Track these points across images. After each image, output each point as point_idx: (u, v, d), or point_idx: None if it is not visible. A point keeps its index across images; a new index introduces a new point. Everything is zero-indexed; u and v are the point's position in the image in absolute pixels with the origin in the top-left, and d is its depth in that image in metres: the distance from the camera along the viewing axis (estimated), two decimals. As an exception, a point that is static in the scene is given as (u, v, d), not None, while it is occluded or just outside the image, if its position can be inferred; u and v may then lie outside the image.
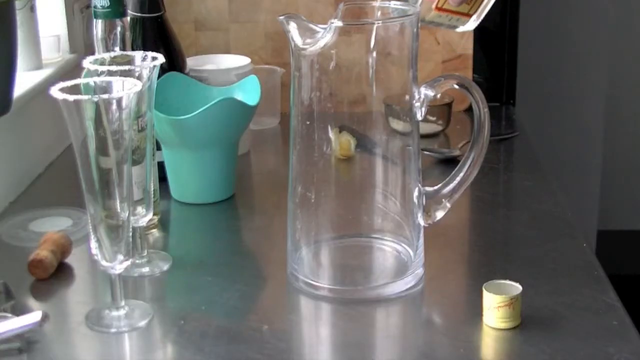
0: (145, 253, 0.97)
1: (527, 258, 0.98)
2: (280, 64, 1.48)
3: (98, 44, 0.95)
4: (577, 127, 2.27)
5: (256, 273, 0.99)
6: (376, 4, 0.92)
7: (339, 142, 1.02)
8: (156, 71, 0.88)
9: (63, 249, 0.97)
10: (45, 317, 0.80)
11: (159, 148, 1.12)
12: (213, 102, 1.08)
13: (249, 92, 1.15)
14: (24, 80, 1.23)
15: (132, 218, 0.85)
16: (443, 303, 0.89)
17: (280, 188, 1.22)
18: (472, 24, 0.96)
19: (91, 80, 0.80)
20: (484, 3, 0.93)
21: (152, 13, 1.18)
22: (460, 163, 0.92)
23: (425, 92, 0.88)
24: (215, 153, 1.12)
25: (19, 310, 0.85)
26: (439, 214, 0.93)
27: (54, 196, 1.20)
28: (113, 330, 0.84)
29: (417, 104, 0.89)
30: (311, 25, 0.86)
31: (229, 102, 1.10)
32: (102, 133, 0.77)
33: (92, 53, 0.93)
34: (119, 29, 0.94)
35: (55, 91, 0.76)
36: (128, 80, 0.80)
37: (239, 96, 1.14)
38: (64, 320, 0.87)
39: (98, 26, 0.94)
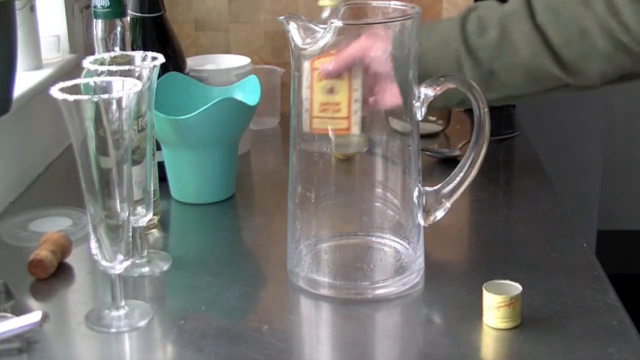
0: (145, 253, 0.97)
1: (527, 258, 0.98)
2: (280, 64, 1.48)
3: (98, 44, 0.95)
4: (577, 127, 2.27)
5: (256, 273, 0.99)
6: (376, 4, 0.92)
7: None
8: (156, 71, 0.88)
9: (63, 249, 0.97)
10: (45, 317, 0.80)
11: (159, 148, 1.12)
12: (213, 102, 1.08)
13: (249, 92, 1.15)
14: (24, 80, 1.23)
15: (132, 218, 0.85)
16: (443, 303, 0.89)
17: (280, 188, 1.22)
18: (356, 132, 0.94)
19: (91, 80, 0.80)
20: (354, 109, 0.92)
21: (152, 13, 1.18)
22: (460, 163, 0.92)
23: (425, 92, 0.88)
24: (215, 153, 1.12)
25: (19, 310, 0.85)
26: (439, 214, 0.93)
27: (54, 196, 1.20)
28: (113, 330, 0.84)
29: (417, 104, 0.89)
30: (311, 25, 0.86)
31: (229, 102, 1.10)
32: (102, 133, 0.77)
33: (92, 53, 0.93)
34: (119, 29, 0.94)
35: (55, 91, 0.76)
36: (128, 80, 0.80)
37: (239, 96, 1.14)
38: (64, 320, 0.87)
39: (98, 26, 0.94)
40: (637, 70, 1.01)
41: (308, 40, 0.87)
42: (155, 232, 1.06)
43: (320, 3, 1.19)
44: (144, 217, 0.95)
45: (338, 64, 0.90)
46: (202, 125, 1.08)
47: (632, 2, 0.95)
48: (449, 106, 1.10)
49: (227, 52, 1.52)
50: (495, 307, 0.82)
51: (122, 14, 0.95)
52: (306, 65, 1.22)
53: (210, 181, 1.13)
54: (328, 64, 0.93)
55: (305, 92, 1.25)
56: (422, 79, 0.90)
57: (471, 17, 0.99)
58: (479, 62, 0.92)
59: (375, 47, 0.90)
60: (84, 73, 0.87)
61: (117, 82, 0.80)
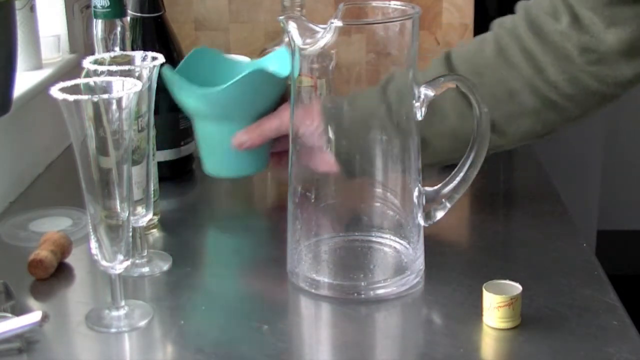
0: (145, 253, 0.97)
1: (527, 258, 0.98)
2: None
3: (98, 44, 0.95)
4: (577, 127, 2.27)
5: (256, 273, 0.99)
6: (376, 4, 0.92)
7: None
8: (156, 71, 0.88)
9: (63, 249, 0.97)
10: (45, 317, 0.79)
11: (158, 148, 1.12)
12: (245, 73, 1.06)
13: (279, 64, 1.13)
14: (24, 80, 1.23)
15: (132, 218, 0.85)
16: (443, 303, 0.89)
17: (280, 188, 1.22)
18: None
19: (91, 80, 0.80)
20: None
21: (152, 13, 1.18)
22: (460, 163, 0.92)
23: (425, 92, 0.88)
24: (250, 124, 1.10)
25: (19, 310, 0.85)
26: (439, 214, 0.93)
27: (54, 196, 1.20)
28: (113, 330, 0.84)
29: (417, 104, 0.89)
30: (311, 25, 0.86)
31: (261, 73, 1.08)
32: (102, 133, 0.78)
33: (92, 53, 0.93)
34: (119, 29, 0.94)
35: (55, 91, 0.76)
36: (128, 80, 0.80)
37: (270, 68, 1.12)
38: (64, 320, 0.87)
39: (98, 26, 0.94)
40: (563, 125, 1.03)
41: (308, 40, 0.87)
42: (155, 232, 1.06)
43: None
44: (144, 217, 0.95)
45: (255, 137, 0.92)
46: (236, 97, 1.06)
47: (556, 59, 0.96)
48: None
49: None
50: (495, 307, 0.82)
51: (122, 14, 0.95)
52: None
53: (245, 153, 1.11)
54: (243, 134, 0.98)
55: None
56: (351, 155, 0.92)
57: (390, 89, 0.97)
58: None
59: (305, 124, 0.91)
60: (84, 73, 0.87)
61: (117, 82, 0.80)
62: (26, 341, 0.81)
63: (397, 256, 0.94)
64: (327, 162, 0.94)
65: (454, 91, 0.98)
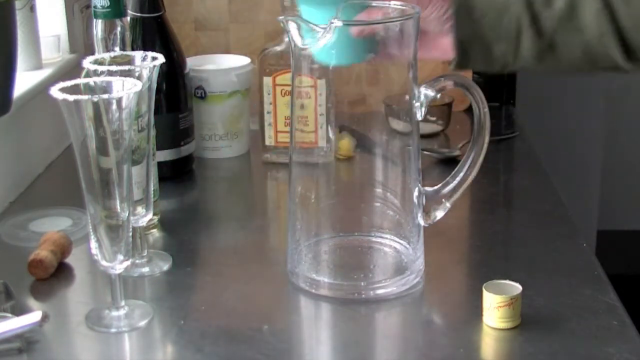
0: (145, 253, 0.97)
1: (527, 258, 0.98)
2: (280, 64, 1.48)
3: (98, 44, 0.95)
4: (577, 127, 2.27)
5: (256, 273, 0.99)
6: (376, 3, 0.92)
7: (339, 142, 1.02)
8: (156, 71, 0.88)
9: (63, 249, 0.97)
10: (45, 317, 0.80)
11: (158, 148, 1.11)
12: None
13: None
14: (24, 80, 1.23)
15: (132, 218, 0.85)
16: (443, 303, 0.89)
17: (280, 188, 1.23)
18: None
19: (91, 80, 0.81)
20: None
21: (152, 13, 1.18)
22: (460, 163, 0.92)
23: (425, 92, 0.88)
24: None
25: (19, 310, 0.85)
26: (439, 214, 0.93)
27: (54, 196, 1.20)
28: (113, 330, 0.84)
29: (417, 104, 0.89)
30: (311, 25, 0.86)
31: None
32: (102, 133, 0.78)
33: (92, 53, 0.93)
34: (119, 29, 0.94)
35: (55, 91, 0.76)
36: (128, 80, 0.80)
37: None
38: (64, 320, 0.87)
39: (98, 26, 0.94)
40: None
41: (308, 40, 0.87)
42: (155, 232, 1.06)
43: None
44: (144, 217, 0.95)
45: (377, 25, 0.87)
46: None
47: None
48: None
49: (227, 52, 1.52)
50: (495, 307, 0.82)
51: (122, 14, 0.95)
52: (268, 81, 1.23)
53: (358, 41, 0.93)
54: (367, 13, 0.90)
55: (268, 108, 1.25)
56: (474, 43, 0.88)
57: None
58: (540, 33, 0.87)
59: (430, 7, 0.88)
60: (84, 73, 0.87)
61: (117, 82, 0.80)
62: (26, 341, 0.81)
63: (397, 256, 0.94)
64: (444, 48, 0.90)
65: (598, 3, 0.90)
